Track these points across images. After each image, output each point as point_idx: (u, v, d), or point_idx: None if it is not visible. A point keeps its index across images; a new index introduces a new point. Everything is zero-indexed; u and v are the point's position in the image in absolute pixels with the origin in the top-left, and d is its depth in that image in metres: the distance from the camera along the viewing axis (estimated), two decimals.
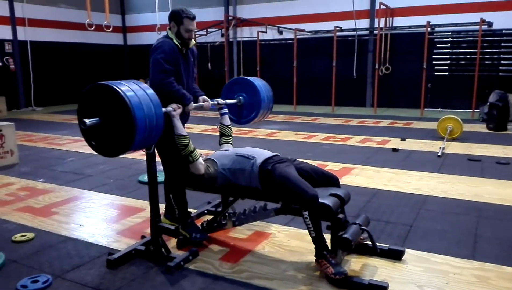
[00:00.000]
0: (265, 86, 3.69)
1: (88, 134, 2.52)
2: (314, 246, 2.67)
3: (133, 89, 2.45)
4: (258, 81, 3.65)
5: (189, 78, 3.23)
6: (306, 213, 2.56)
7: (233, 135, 3.48)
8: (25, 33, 12.88)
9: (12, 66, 12.62)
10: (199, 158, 2.88)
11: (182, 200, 3.16)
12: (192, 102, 3.09)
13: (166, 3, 11.91)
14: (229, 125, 3.46)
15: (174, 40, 3.09)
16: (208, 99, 3.33)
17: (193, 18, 3.10)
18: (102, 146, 2.53)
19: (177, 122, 2.84)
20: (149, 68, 3.13)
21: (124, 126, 2.38)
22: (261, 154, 2.94)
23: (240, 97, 3.62)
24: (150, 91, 2.56)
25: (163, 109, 2.66)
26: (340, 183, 3.02)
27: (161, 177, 3.41)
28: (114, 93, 2.39)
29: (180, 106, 2.92)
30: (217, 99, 3.39)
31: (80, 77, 14.68)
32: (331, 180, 2.92)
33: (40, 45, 13.30)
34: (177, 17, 3.06)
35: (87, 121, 2.38)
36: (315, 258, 2.69)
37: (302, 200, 2.57)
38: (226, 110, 3.47)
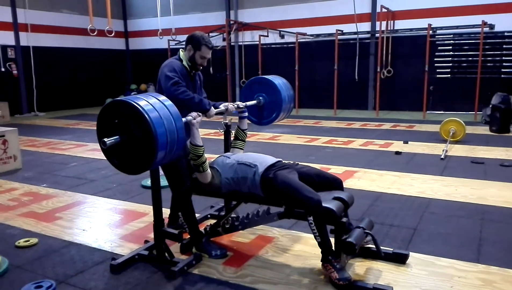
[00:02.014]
0: (285, 84, 3.62)
1: (109, 152, 2.46)
2: (320, 250, 2.66)
3: (151, 103, 2.37)
4: (278, 80, 3.58)
5: None
6: (311, 218, 2.55)
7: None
8: (28, 39, 12.94)
9: (14, 72, 12.67)
10: (208, 168, 2.88)
11: (192, 218, 3.09)
12: (212, 108, 3.06)
13: (168, 8, 11.96)
14: (246, 129, 3.42)
15: (184, 62, 3.12)
16: (231, 103, 3.28)
17: (212, 47, 3.12)
18: (124, 164, 2.46)
19: (196, 131, 2.80)
20: (156, 84, 3.14)
21: (144, 143, 2.31)
22: (263, 161, 2.92)
23: (260, 98, 3.55)
24: (169, 102, 2.47)
25: (183, 119, 2.58)
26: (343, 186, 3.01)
27: (164, 181, 3.40)
28: (132, 109, 2.31)
29: (200, 114, 2.88)
30: (238, 102, 3.33)
31: (83, 82, 14.75)
32: (334, 183, 2.91)
33: (43, 51, 13.35)
34: (196, 43, 3.07)
35: (106, 140, 2.30)
36: (321, 262, 2.68)
37: (306, 206, 2.56)
38: (246, 114, 3.42)
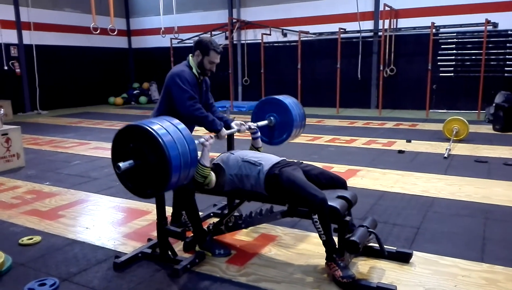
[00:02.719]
0: (296, 104, 3.66)
1: (123, 176, 2.49)
2: (323, 248, 2.66)
3: (165, 127, 2.41)
4: (289, 100, 3.64)
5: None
6: (316, 216, 2.54)
7: (241, 138, 3.46)
8: (31, 37, 12.95)
9: (17, 70, 12.69)
10: (214, 181, 2.90)
11: (196, 217, 3.08)
12: (223, 129, 3.07)
13: (171, 6, 11.96)
14: (260, 147, 3.46)
15: (194, 70, 3.09)
16: (243, 122, 3.30)
17: (220, 52, 3.10)
18: (138, 187, 2.50)
19: (207, 153, 2.84)
20: (163, 89, 3.11)
21: (158, 166, 2.34)
22: (268, 159, 2.93)
23: (271, 118, 3.60)
24: (182, 126, 2.51)
25: (196, 141, 2.63)
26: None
27: None
28: (146, 133, 2.35)
29: (212, 136, 2.92)
30: (249, 123, 3.35)
31: (85, 80, 14.77)
32: (338, 183, 2.90)
33: (45, 49, 13.36)
34: (205, 48, 3.05)
35: (121, 164, 2.34)
36: (325, 261, 2.68)
37: (311, 204, 2.56)
38: (258, 134, 3.45)
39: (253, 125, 3.36)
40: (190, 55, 3.14)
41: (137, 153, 2.40)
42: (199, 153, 2.78)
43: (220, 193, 3.08)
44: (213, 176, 2.90)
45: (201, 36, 3.18)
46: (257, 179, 2.83)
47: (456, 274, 2.69)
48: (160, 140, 2.30)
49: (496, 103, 8.43)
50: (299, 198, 2.64)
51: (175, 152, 2.33)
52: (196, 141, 2.62)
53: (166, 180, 2.35)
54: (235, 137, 3.61)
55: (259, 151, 3.41)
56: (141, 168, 2.41)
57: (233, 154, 3.07)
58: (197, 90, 3.11)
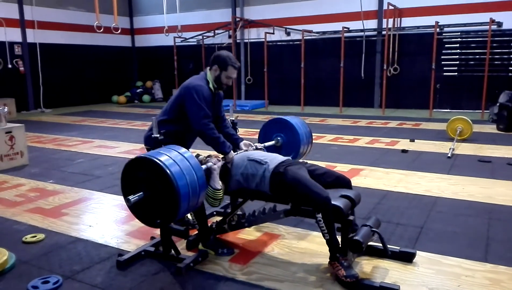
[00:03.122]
0: (302, 124, 3.73)
1: (134, 208, 2.52)
2: (326, 247, 2.65)
3: (172, 157, 2.44)
4: (295, 120, 3.70)
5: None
6: (320, 215, 2.54)
7: (241, 137, 3.47)
8: (34, 36, 12.99)
9: (21, 68, 12.73)
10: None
11: (202, 215, 3.09)
12: (231, 152, 3.07)
13: (174, 5, 11.97)
14: None
15: (210, 85, 3.10)
16: (251, 143, 3.33)
17: (237, 67, 3.12)
18: (149, 218, 2.54)
19: (216, 176, 2.84)
20: (177, 98, 3.10)
21: (167, 197, 2.38)
22: (274, 158, 2.94)
23: (278, 138, 3.66)
24: (188, 154, 2.55)
25: (203, 166, 2.66)
26: None
27: None
28: (153, 165, 2.39)
29: (219, 158, 2.94)
30: (256, 144, 3.38)
31: (89, 79, 14.81)
32: (343, 183, 2.91)
33: (49, 47, 13.40)
34: (223, 63, 3.07)
35: (131, 197, 2.38)
36: (328, 260, 2.68)
37: (315, 203, 2.56)
38: None
39: (260, 146, 3.40)
40: (208, 68, 3.15)
41: (146, 184, 2.44)
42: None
43: (223, 192, 3.08)
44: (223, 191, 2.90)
45: (218, 51, 3.19)
46: (262, 178, 2.83)
47: (460, 274, 2.68)
48: (167, 171, 2.34)
49: (500, 103, 8.40)
50: (303, 197, 2.64)
51: (183, 181, 2.37)
52: (203, 166, 2.67)
53: (176, 209, 2.39)
54: (242, 136, 3.60)
55: None
56: (151, 199, 2.45)
57: (238, 153, 3.08)
58: (211, 105, 3.12)
